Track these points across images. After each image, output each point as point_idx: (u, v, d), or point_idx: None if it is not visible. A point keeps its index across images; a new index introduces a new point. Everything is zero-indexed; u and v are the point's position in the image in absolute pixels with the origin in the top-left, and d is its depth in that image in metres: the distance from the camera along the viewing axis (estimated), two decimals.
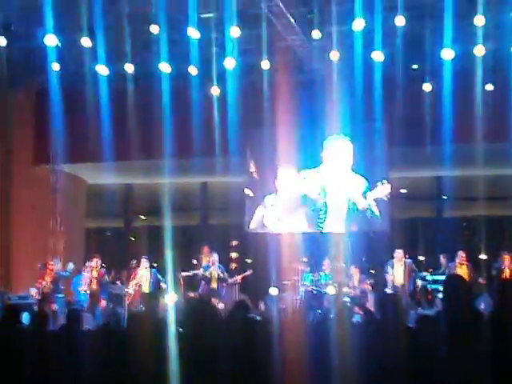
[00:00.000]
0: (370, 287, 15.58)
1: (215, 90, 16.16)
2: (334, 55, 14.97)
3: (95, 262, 16.25)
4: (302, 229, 16.97)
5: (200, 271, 16.41)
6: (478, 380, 4.98)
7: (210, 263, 16.33)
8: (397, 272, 15.55)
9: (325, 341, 5.93)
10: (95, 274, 16.12)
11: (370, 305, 13.38)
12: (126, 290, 16.12)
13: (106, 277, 16.48)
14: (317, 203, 16.82)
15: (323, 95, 15.95)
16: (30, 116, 18.43)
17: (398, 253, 15.63)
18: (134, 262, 16.73)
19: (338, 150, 16.83)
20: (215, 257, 16.38)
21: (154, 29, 14.31)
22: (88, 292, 15.97)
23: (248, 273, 16.92)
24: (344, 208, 16.68)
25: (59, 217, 18.27)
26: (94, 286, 16.10)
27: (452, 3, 13.07)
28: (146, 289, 15.91)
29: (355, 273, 15.97)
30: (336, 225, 16.75)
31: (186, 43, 14.60)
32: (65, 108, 16.05)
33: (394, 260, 15.62)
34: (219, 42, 14.91)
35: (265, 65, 15.22)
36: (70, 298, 16.26)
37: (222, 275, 16.19)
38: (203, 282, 16.22)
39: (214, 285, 16.13)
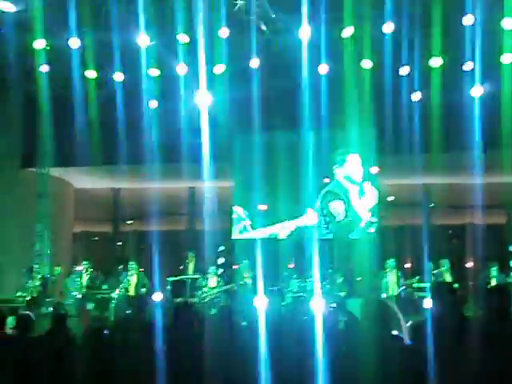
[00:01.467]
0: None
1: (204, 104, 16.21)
2: (323, 68, 15.02)
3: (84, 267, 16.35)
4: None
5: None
6: None
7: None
8: (389, 281, 15.64)
9: (310, 346, 5.92)
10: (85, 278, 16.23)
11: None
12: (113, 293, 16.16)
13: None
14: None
15: (313, 102, 15.95)
16: (18, 120, 18.34)
17: (390, 262, 15.72)
18: (121, 266, 16.73)
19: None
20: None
21: (143, 40, 14.33)
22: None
23: (247, 281, 16.76)
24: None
25: (46, 221, 18.18)
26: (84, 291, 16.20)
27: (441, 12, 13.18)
28: (132, 292, 15.93)
29: (341, 279, 16.04)
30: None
31: (174, 48, 14.64)
32: (53, 112, 16.00)
33: (387, 269, 15.70)
34: (207, 46, 14.90)
35: (254, 65, 15.19)
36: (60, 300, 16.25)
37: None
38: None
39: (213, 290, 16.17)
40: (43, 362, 6.62)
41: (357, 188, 16.45)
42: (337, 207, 16.44)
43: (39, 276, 16.18)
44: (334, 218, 16.42)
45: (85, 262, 16.70)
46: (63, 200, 20.05)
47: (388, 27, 13.90)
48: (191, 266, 16.94)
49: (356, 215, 16.38)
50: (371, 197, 16.54)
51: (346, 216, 16.35)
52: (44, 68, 15.25)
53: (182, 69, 15.31)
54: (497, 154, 15.08)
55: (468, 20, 13.47)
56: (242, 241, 17.61)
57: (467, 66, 14.27)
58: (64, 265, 17.79)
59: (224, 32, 14.16)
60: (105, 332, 7.48)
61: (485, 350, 5.08)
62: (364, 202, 16.49)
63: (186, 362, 5.83)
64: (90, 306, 15.94)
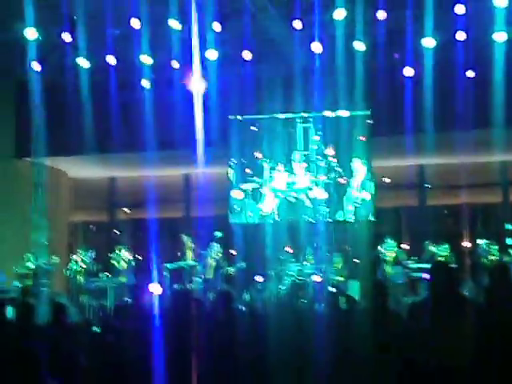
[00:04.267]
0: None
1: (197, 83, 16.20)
2: (316, 47, 15.01)
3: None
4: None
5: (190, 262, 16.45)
6: (465, 365, 5.01)
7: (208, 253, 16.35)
8: (387, 261, 15.67)
9: (310, 329, 5.95)
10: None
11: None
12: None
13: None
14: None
15: (306, 86, 15.98)
16: (10, 109, 18.31)
17: (389, 241, 15.73)
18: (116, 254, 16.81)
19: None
20: (214, 246, 16.37)
21: (135, 23, 14.26)
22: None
23: (240, 266, 16.80)
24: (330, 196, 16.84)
25: (42, 211, 18.16)
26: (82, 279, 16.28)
27: None
28: (124, 279, 16.03)
29: (338, 262, 16.13)
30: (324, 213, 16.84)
31: (167, 35, 14.60)
32: (46, 101, 15.94)
33: (385, 249, 15.70)
34: (201, 33, 14.87)
35: (247, 56, 15.18)
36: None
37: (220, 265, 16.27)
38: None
39: (210, 275, 16.16)
40: (45, 350, 6.62)
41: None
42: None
43: (32, 265, 16.14)
44: None
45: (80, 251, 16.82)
46: (58, 189, 20.02)
47: (381, 14, 13.97)
48: (189, 253, 16.95)
49: None
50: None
51: None
52: (35, 60, 15.19)
53: (173, 63, 15.37)
54: (490, 133, 15.10)
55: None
56: (238, 225, 17.67)
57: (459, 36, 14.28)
58: (60, 254, 17.80)
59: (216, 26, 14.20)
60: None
61: (482, 328, 5.11)
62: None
63: (185, 348, 5.85)
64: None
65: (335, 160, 16.46)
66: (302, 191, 16.41)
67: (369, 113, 16.78)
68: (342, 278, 15.73)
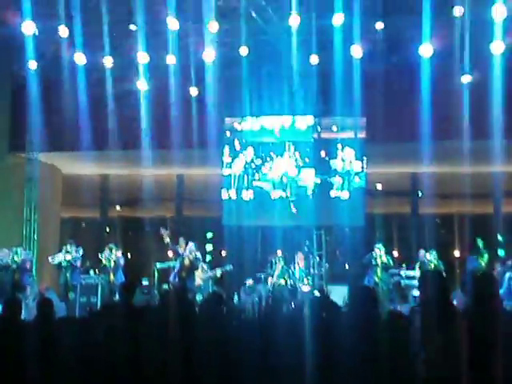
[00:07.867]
0: None
1: (194, 91, 16.27)
2: (314, 58, 15.18)
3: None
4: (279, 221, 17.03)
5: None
6: (454, 376, 5.00)
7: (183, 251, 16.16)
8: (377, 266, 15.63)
9: (297, 333, 5.94)
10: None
11: None
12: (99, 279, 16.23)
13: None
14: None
15: (305, 90, 16.01)
16: (6, 104, 18.26)
17: (377, 248, 15.66)
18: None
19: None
20: (190, 245, 16.19)
21: (133, 26, 14.35)
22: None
23: (228, 268, 16.67)
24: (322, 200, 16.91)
25: (34, 206, 18.14)
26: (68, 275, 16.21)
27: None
28: (112, 277, 15.99)
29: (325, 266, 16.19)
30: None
31: (164, 34, 14.61)
32: (42, 96, 15.94)
33: (375, 254, 15.64)
34: (198, 33, 14.89)
35: (243, 52, 15.24)
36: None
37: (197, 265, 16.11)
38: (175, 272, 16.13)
39: (184, 274, 15.99)
40: (33, 346, 6.59)
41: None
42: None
43: (19, 259, 15.88)
44: None
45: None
46: (51, 185, 19.96)
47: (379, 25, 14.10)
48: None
49: None
50: None
51: None
52: (32, 55, 15.19)
53: (171, 59, 15.36)
54: (484, 143, 15.13)
55: (458, 11, 13.56)
56: (230, 227, 17.66)
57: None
58: (51, 250, 17.77)
59: (213, 26, 14.24)
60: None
61: (470, 336, 5.10)
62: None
63: (172, 346, 5.84)
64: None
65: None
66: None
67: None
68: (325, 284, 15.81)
